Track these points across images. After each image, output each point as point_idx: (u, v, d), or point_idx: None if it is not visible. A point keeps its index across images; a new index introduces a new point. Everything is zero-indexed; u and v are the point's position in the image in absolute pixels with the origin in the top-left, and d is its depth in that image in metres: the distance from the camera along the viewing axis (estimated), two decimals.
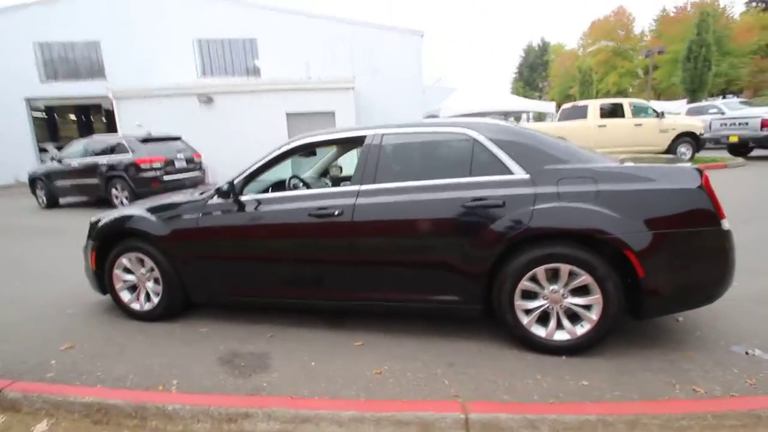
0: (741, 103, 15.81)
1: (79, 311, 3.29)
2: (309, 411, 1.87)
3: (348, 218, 2.51)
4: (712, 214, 2.15)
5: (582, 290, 2.25)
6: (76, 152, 9.36)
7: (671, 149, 10.31)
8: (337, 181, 3.99)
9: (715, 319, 2.65)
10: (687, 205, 2.17)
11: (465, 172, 2.45)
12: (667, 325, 2.64)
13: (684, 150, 10.37)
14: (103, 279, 3.12)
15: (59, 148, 12.47)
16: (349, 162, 4.39)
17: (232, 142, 12.59)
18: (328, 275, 2.66)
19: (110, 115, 20.41)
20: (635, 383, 2.04)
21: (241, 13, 16.36)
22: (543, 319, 2.34)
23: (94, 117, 24.32)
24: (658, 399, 1.91)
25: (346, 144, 3.62)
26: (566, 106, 11.89)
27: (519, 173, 2.35)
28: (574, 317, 2.31)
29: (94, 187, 8.91)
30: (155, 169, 8.60)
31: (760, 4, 34.20)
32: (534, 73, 57.11)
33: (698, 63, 20.97)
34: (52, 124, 22.03)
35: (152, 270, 2.97)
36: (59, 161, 9.37)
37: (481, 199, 2.33)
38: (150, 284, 3.02)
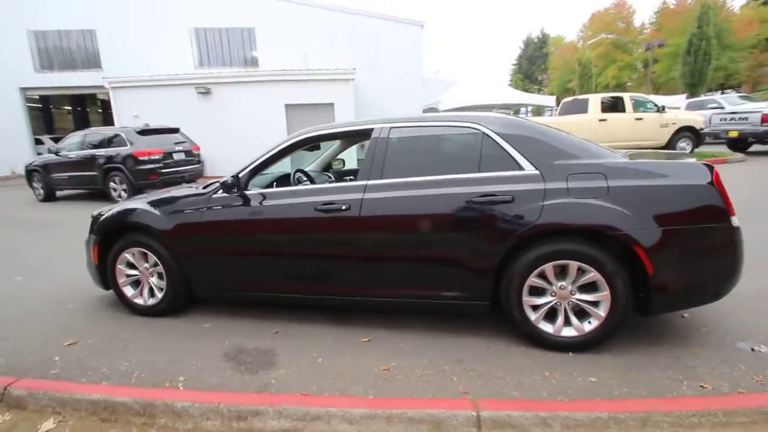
0: (740, 97, 15.84)
1: (80, 306, 3.26)
2: (320, 408, 1.85)
3: (355, 213, 2.48)
4: (723, 211, 2.14)
5: (590, 287, 2.24)
6: (74, 144, 9.27)
7: (671, 144, 10.30)
8: (340, 175, 3.96)
9: (720, 316, 2.66)
10: (697, 201, 2.16)
11: (474, 167, 2.43)
12: (672, 321, 2.64)
13: (684, 145, 10.37)
14: (105, 274, 3.09)
15: (55, 140, 12.32)
16: (347, 156, 4.36)
17: (230, 134, 12.47)
18: (335, 270, 2.63)
19: (106, 105, 20.27)
20: (643, 380, 2.05)
21: (239, 1, 16.11)
22: (550, 315, 2.34)
23: (89, 107, 24.10)
24: (666, 396, 1.91)
25: (353, 137, 3.58)
26: (567, 99, 11.86)
27: (528, 169, 2.32)
28: (582, 313, 2.31)
29: (92, 179, 8.84)
30: (154, 162, 8.53)
31: None
32: (533, 65, 56.83)
33: (698, 57, 20.86)
34: (47, 114, 21.78)
35: (156, 265, 2.94)
36: (57, 153, 9.28)
37: (490, 194, 2.31)
38: (154, 279, 2.99)
